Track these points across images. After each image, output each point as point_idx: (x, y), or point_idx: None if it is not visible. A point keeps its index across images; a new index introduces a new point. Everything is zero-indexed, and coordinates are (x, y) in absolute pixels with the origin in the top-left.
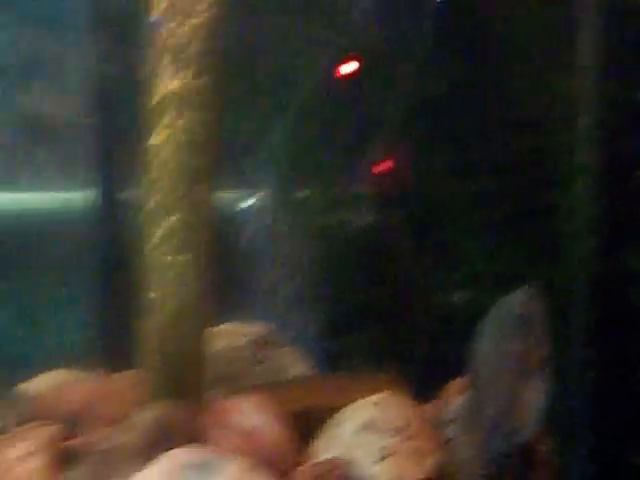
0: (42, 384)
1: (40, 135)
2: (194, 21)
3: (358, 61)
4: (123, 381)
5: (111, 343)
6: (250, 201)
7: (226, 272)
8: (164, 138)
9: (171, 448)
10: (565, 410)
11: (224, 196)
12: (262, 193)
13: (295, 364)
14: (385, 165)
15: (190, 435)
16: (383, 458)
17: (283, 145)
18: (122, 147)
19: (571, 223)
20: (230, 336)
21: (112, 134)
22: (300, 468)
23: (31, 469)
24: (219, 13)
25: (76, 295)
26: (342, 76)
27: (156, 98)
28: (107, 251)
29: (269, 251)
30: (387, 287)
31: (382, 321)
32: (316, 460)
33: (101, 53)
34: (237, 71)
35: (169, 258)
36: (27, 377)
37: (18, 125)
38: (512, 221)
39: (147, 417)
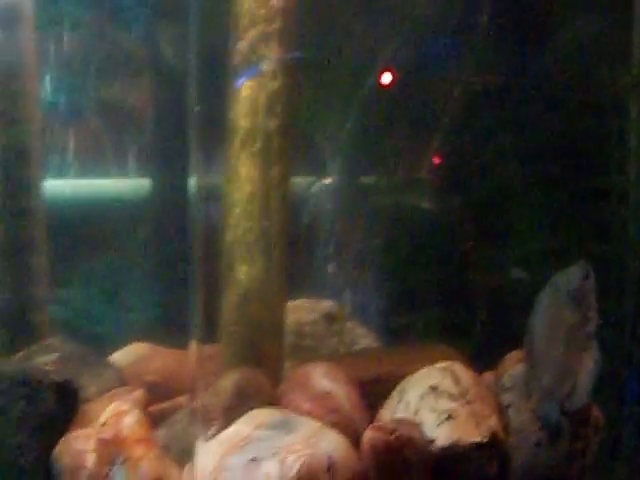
0: (127, 356)
1: (118, 124)
2: (273, 25)
3: (419, 54)
4: (199, 354)
5: (186, 320)
6: (320, 185)
7: (297, 252)
8: (247, 128)
9: (251, 409)
10: (617, 381)
11: (296, 180)
12: (331, 178)
13: (363, 338)
14: (445, 151)
15: (268, 398)
16: (445, 421)
17: (351, 134)
18: (197, 135)
19: (624, 205)
20: (302, 311)
21: (187, 123)
22: (370, 426)
23: (127, 423)
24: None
25: (154, 275)
26: (405, 68)
27: (240, 92)
28: (181, 234)
29: (337, 232)
30: (448, 265)
31: (444, 298)
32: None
33: (179, 45)
34: (311, 66)
35: (249, 236)
36: (113, 350)
37: (98, 115)
38: (568, 203)
39: (229, 382)
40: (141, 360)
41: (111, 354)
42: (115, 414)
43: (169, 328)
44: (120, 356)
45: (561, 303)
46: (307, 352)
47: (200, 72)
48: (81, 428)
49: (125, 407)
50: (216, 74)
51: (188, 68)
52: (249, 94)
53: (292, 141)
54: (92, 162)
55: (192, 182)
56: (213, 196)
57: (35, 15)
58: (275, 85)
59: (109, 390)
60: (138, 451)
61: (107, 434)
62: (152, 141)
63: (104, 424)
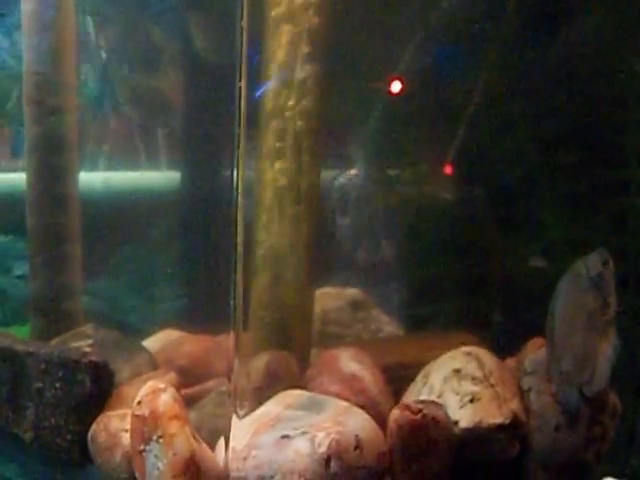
0: (158, 342)
1: (150, 117)
2: (306, 24)
3: (440, 46)
4: (232, 339)
5: (215, 308)
6: (344, 177)
7: (323, 241)
8: (280, 123)
9: (280, 391)
10: (636, 367)
11: (325, 172)
12: (355, 170)
13: (387, 325)
14: (467, 142)
15: (297, 381)
16: (468, 403)
17: (375, 127)
18: (225, 130)
19: None
20: (329, 299)
21: (217, 119)
22: (396, 406)
23: (163, 400)
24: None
25: (183, 266)
26: (427, 62)
27: (273, 88)
28: (209, 225)
29: (361, 223)
30: (470, 255)
31: (466, 287)
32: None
33: (210, 41)
34: (339, 63)
35: (278, 224)
36: (145, 337)
37: (135, 106)
38: (588, 194)
39: (260, 363)
40: (172, 346)
41: (143, 340)
42: (151, 392)
43: (199, 316)
44: (152, 342)
45: (582, 289)
46: (333, 339)
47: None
48: (115, 410)
49: (161, 385)
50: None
51: (233, 61)
52: (279, 91)
53: (321, 137)
54: (127, 154)
55: (236, 171)
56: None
57: (75, 4)
58: (305, 82)
59: (141, 374)
60: (173, 427)
61: (143, 411)
62: (187, 134)
63: (140, 402)
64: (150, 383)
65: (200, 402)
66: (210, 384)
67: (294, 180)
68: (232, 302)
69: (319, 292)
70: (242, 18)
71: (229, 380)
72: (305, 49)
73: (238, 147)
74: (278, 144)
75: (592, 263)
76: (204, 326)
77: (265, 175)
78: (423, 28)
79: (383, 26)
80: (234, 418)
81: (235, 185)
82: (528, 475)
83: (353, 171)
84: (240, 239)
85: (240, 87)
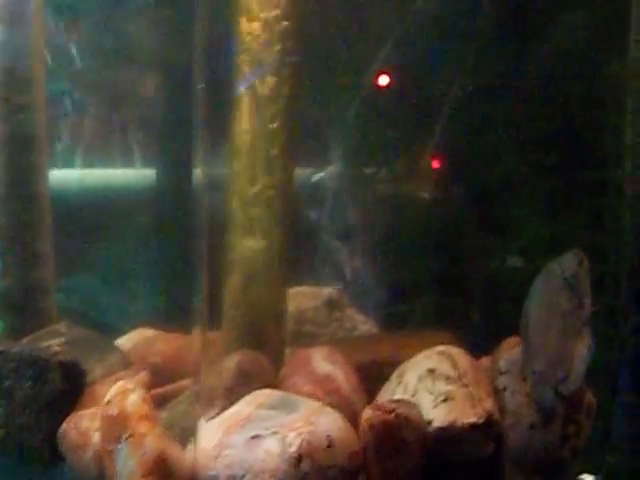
0: (131, 341)
1: (122, 115)
2: (273, 26)
3: (418, 49)
4: (200, 339)
5: (188, 307)
6: (320, 175)
7: (298, 240)
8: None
9: (252, 390)
10: (610, 366)
11: (300, 171)
12: (333, 168)
13: (363, 324)
14: (445, 141)
15: (270, 381)
16: (442, 402)
17: (352, 125)
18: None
19: (620, 196)
20: (304, 298)
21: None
22: (368, 406)
23: (131, 400)
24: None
25: (157, 263)
26: (405, 62)
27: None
28: (184, 223)
29: (337, 221)
30: (447, 253)
31: (442, 285)
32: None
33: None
34: (313, 59)
35: (251, 223)
36: (118, 335)
37: (104, 104)
38: (565, 194)
39: (231, 363)
40: (145, 344)
41: (116, 339)
42: (120, 392)
43: (173, 314)
44: (125, 341)
45: (556, 289)
46: (308, 338)
47: (205, 65)
48: (87, 409)
49: (130, 385)
50: (221, 67)
51: (194, 59)
52: (252, 89)
53: (295, 133)
54: (98, 152)
55: (197, 171)
56: (216, 185)
57: (43, 3)
58: (277, 80)
59: (114, 372)
60: (142, 428)
61: (112, 411)
62: (158, 131)
63: (109, 402)
64: (119, 383)
65: (173, 401)
66: (183, 383)
67: (266, 178)
68: (198, 302)
69: (294, 291)
70: (201, 18)
71: (195, 383)
72: (277, 46)
73: (199, 147)
74: (249, 143)
75: (567, 263)
76: (178, 325)
77: (237, 174)
78: (400, 26)
79: (359, 23)
80: (201, 419)
81: (196, 184)
82: (503, 473)
83: (330, 169)
84: (204, 238)
85: (200, 88)
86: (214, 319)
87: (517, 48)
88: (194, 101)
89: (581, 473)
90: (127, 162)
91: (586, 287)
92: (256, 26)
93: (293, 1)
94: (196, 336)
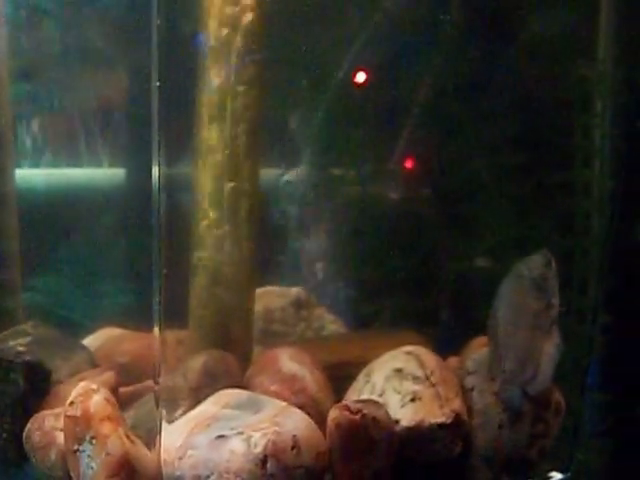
0: (98, 340)
1: (91, 116)
2: (238, 23)
3: (386, 49)
4: (169, 337)
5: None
6: (288, 176)
7: (266, 240)
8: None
9: (218, 390)
10: (579, 366)
11: (266, 172)
12: (300, 169)
13: (331, 324)
14: (413, 143)
15: (237, 381)
16: (409, 402)
17: (320, 126)
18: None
19: (588, 198)
20: (272, 297)
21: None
22: (334, 406)
23: (94, 401)
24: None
25: (123, 263)
26: (373, 63)
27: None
28: (151, 222)
29: (305, 222)
30: (415, 254)
31: (411, 286)
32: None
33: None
34: (280, 60)
35: (217, 224)
36: (85, 335)
37: (73, 107)
38: (534, 195)
39: (197, 363)
40: (112, 343)
41: (83, 338)
42: (83, 393)
43: (141, 314)
44: (92, 340)
45: (524, 290)
46: (276, 337)
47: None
48: (52, 408)
49: (93, 386)
50: (182, 65)
51: (151, 59)
52: (218, 86)
53: (261, 135)
54: (64, 151)
55: (155, 170)
56: (181, 184)
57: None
58: (244, 79)
59: (80, 372)
60: (105, 428)
61: (75, 412)
62: (123, 131)
63: (72, 403)
64: (82, 384)
65: (140, 400)
66: (151, 382)
67: (233, 178)
68: (157, 302)
69: (262, 291)
70: (156, 16)
71: (156, 383)
72: (242, 45)
73: (156, 146)
74: (215, 142)
75: (534, 264)
76: (146, 324)
77: (203, 173)
78: (368, 26)
79: (326, 22)
80: (165, 420)
81: (156, 184)
82: (472, 472)
83: (299, 169)
84: (162, 236)
85: (157, 86)
86: (182, 318)
87: (485, 50)
88: (152, 100)
89: (550, 471)
90: (93, 161)
91: (554, 287)
92: (220, 23)
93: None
94: (155, 336)
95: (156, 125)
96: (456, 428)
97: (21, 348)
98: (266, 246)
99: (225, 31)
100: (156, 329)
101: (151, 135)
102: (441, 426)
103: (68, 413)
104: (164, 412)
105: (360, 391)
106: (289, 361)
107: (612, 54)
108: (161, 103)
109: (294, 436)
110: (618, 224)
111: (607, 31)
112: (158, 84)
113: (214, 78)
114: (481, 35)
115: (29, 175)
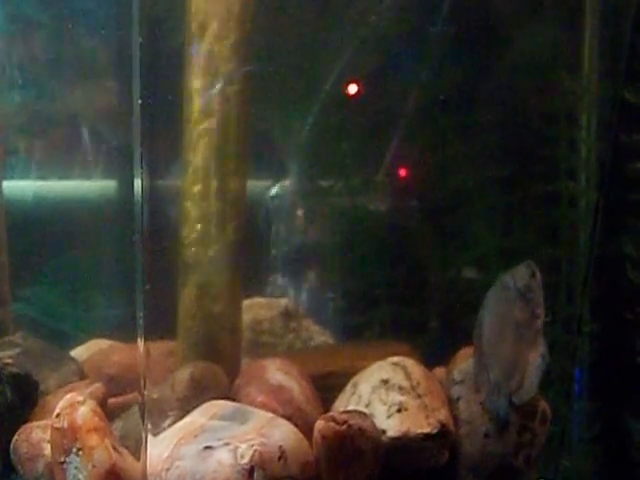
0: (87, 352)
1: (81, 127)
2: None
3: (375, 62)
4: (158, 349)
5: (146, 318)
6: (277, 188)
7: (254, 252)
8: (204, 135)
9: (206, 401)
10: (566, 374)
11: (254, 184)
12: (288, 181)
13: (319, 335)
14: (401, 155)
15: (224, 392)
16: (396, 412)
17: (308, 138)
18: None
19: (574, 209)
20: (260, 309)
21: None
22: (321, 417)
23: (81, 413)
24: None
25: (114, 275)
26: (362, 75)
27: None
28: (144, 234)
29: (293, 233)
30: (402, 265)
31: (398, 297)
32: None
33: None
34: (267, 73)
35: (205, 235)
36: (74, 346)
37: (61, 117)
38: (520, 206)
39: (184, 374)
40: (101, 355)
41: (72, 350)
42: (69, 405)
43: (129, 325)
44: (81, 351)
45: (509, 300)
46: (265, 348)
47: (149, 74)
48: (40, 420)
49: (80, 398)
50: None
51: (133, 70)
52: (205, 98)
53: (249, 145)
54: (53, 164)
55: (137, 182)
56: (167, 195)
57: None
58: (232, 90)
59: (69, 383)
60: (92, 440)
61: (61, 423)
62: (113, 143)
63: (58, 414)
64: (69, 396)
65: (128, 411)
66: (141, 390)
67: (220, 190)
68: (139, 313)
69: (251, 302)
70: (137, 28)
71: (141, 395)
72: (230, 57)
73: (138, 159)
74: (202, 155)
75: (519, 275)
76: (135, 336)
77: (190, 186)
78: (356, 39)
79: (314, 35)
80: (151, 431)
81: (137, 196)
82: None
83: (287, 181)
84: (146, 248)
85: (139, 103)
86: (170, 330)
87: (472, 63)
88: (134, 113)
89: (538, 479)
90: (83, 174)
91: (539, 298)
92: (208, 36)
93: (246, 11)
94: (139, 349)
95: (139, 138)
96: (442, 438)
97: (9, 360)
98: (254, 257)
99: (210, 45)
100: (140, 342)
101: (133, 147)
102: (427, 436)
103: (55, 425)
104: (150, 424)
105: (347, 402)
106: (277, 372)
107: (597, 68)
108: (144, 117)
109: (281, 447)
110: (602, 235)
111: (592, 45)
112: (140, 102)
113: (199, 91)
114: (468, 49)
115: (17, 187)
